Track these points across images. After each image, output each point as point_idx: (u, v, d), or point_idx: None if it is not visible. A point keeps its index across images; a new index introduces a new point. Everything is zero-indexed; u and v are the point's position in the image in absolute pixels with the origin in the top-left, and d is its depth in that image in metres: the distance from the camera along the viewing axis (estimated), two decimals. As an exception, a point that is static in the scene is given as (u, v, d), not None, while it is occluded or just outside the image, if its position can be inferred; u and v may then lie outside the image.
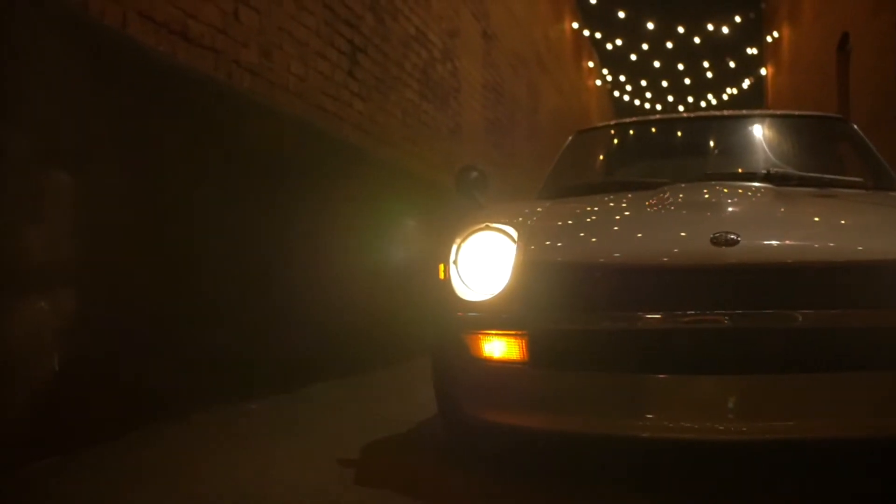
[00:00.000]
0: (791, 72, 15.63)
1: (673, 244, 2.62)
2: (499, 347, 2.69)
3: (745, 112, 4.47)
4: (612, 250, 2.67)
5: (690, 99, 20.29)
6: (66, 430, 2.78)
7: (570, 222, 2.99)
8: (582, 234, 2.85)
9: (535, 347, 2.60)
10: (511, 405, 2.70)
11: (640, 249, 2.63)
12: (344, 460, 2.87)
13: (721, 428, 2.43)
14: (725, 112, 4.65)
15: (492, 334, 2.70)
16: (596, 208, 3.13)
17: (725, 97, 20.26)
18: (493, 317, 2.70)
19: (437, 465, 2.91)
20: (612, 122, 4.74)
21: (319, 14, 4.81)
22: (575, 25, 16.58)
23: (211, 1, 3.68)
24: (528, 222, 2.89)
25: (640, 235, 2.75)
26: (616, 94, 22.01)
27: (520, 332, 2.63)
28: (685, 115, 5.16)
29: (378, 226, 5.44)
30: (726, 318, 2.41)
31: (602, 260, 2.62)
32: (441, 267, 2.93)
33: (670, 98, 20.34)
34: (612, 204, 3.19)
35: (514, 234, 2.79)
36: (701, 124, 4.62)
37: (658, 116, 4.80)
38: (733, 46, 16.57)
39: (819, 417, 2.40)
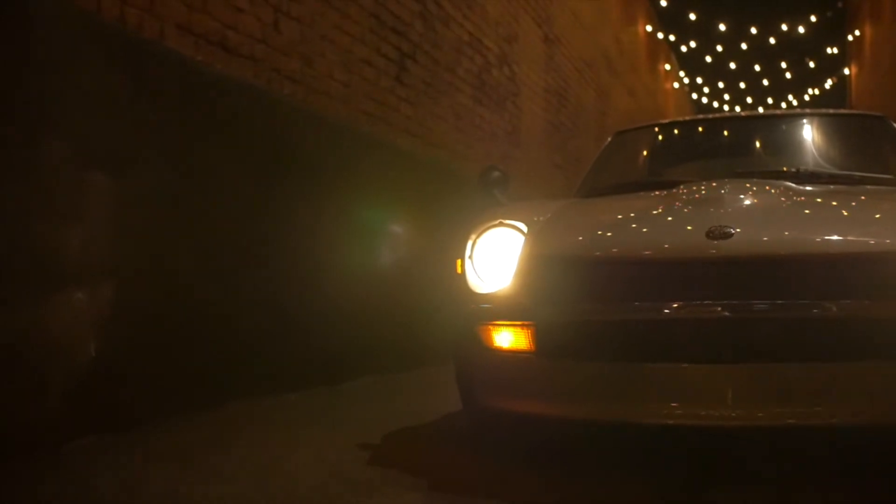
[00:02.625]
0: (873, 71, 15.24)
1: (669, 238, 2.71)
2: (508, 338, 2.81)
3: (783, 112, 4.50)
4: (613, 244, 2.78)
5: (770, 100, 19.93)
6: (103, 413, 3.01)
7: (578, 219, 3.10)
8: (586, 230, 2.95)
9: (542, 337, 2.71)
10: (520, 393, 2.82)
11: (639, 243, 2.73)
12: (364, 444, 3.03)
13: (714, 415, 2.52)
14: (763, 112, 4.69)
15: (501, 325, 2.83)
16: (607, 206, 3.23)
17: (807, 98, 19.84)
18: (503, 308, 2.83)
19: (449, 450, 3.06)
20: (651, 123, 4.81)
21: (364, 23, 5.00)
22: (649, 28, 16.49)
23: (250, 13, 3.90)
24: (540, 219, 3.01)
25: (640, 230, 2.85)
26: (694, 96, 21.76)
27: (527, 323, 2.75)
28: (724, 115, 5.19)
29: (426, 226, 5.58)
30: (720, 308, 2.50)
31: (602, 253, 2.73)
32: (458, 262, 3.08)
33: (749, 99, 20.02)
34: (624, 202, 3.28)
35: (525, 229, 2.93)
36: (739, 124, 4.65)
37: (698, 116, 4.84)
38: (812, 46, 16.25)
39: (812, 406, 2.47)
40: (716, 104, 21.13)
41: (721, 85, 19.57)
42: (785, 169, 3.74)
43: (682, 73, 20.16)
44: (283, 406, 3.79)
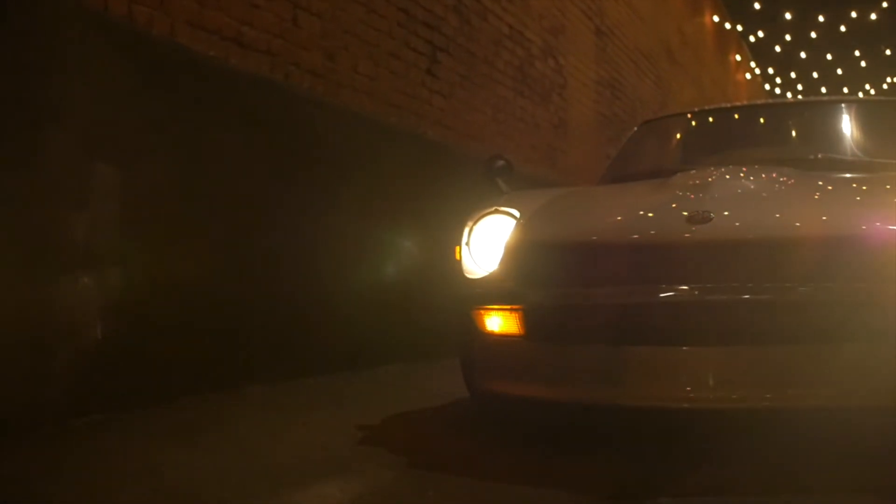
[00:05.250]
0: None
1: (650, 223, 2.74)
2: (498, 322, 2.89)
3: (811, 99, 4.46)
4: (595, 229, 2.83)
5: (846, 89, 19.35)
6: (115, 393, 3.15)
7: (570, 206, 3.15)
8: (573, 216, 3.01)
9: (530, 321, 2.77)
10: (513, 376, 2.90)
11: (621, 228, 2.77)
12: (361, 425, 3.11)
13: (698, 397, 2.55)
14: (790, 100, 4.65)
15: (492, 309, 2.90)
16: (604, 194, 3.27)
17: (885, 86, 19.25)
18: (493, 292, 2.91)
19: (444, 432, 3.13)
20: (676, 113, 4.79)
21: (392, 17, 5.08)
22: (716, 18, 16.20)
23: (266, 9, 4.01)
24: (534, 206, 3.07)
25: (625, 216, 2.88)
26: (767, 87, 21.29)
27: (515, 307, 2.82)
28: (752, 103, 5.13)
29: (453, 215, 5.62)
30: (698, 291, 2.52)
31: (584, 238, 2.79)
32: (457, 249, 3.15)
33: (823, 89, 19.48)
34: (620, 190, 3.31)
35: (518, 216, 2.99)
36: (766, 112, 4.62)
37: (724, 105, 4.80)
38: (887, 33, 15.74)
39: (789, 388, 2.48)
40: (789, 94, 20.65)
41: (793, 75, 19.11)
42: (814, 156, 3.71)
43: (752, 64, 19.75)
44: (297, 390, 3.90)
